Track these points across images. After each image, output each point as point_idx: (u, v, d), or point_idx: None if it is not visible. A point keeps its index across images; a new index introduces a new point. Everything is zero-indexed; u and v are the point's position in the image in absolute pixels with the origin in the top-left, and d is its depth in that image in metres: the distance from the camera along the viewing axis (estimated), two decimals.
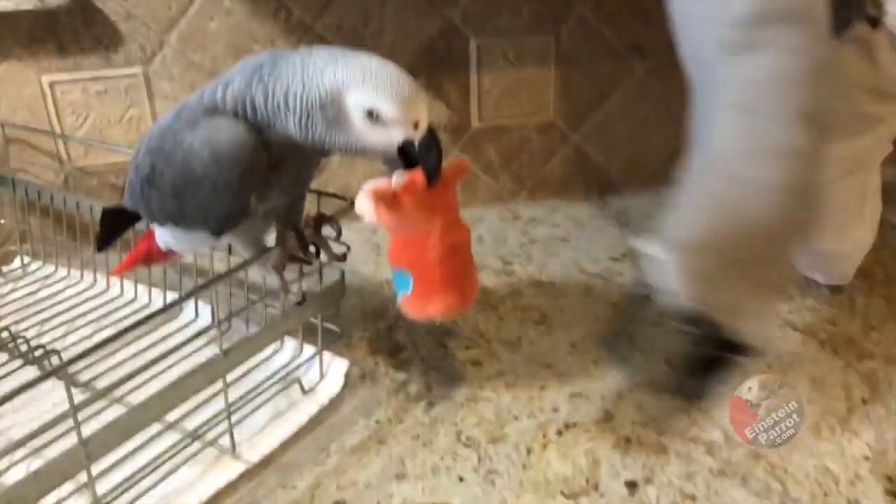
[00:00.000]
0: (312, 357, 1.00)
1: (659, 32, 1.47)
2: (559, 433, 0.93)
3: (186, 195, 0.78)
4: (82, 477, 0.77)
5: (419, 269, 0.77)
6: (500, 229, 1.47)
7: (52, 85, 1.27)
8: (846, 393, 0.99)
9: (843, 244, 1.16)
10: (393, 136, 0.72)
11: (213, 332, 1.00)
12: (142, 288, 1.17)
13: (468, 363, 1.06)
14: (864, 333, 1.11)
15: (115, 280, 1.19)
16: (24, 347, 0.96)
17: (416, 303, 0.79)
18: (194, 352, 0.98)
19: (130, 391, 0.93)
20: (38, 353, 0.95)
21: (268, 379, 0.97)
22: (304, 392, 0.97)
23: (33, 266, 1.28)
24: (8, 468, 0.84)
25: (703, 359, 0.96)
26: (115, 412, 0.81)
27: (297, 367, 1.00)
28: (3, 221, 1.31)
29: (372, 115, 0.71)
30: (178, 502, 0.81)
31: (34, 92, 1.27)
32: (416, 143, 0.72)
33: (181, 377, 0.80)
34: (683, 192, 0.92)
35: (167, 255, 0.97)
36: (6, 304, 1.17)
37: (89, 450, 0.69)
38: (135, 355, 1.01)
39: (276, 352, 1.02)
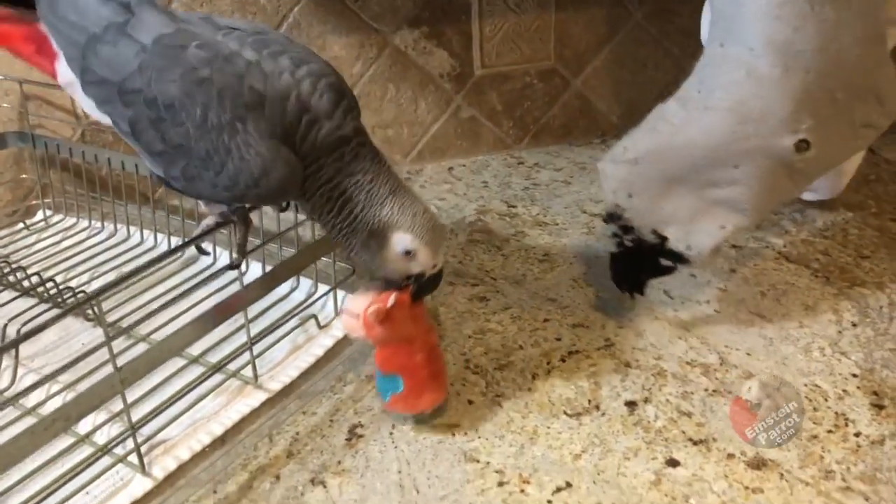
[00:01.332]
0: (327, 293, 1.04)
1: None
2: (562, 360, 0.98)
3: (209, 169, 0.76)
4: (115, 406, 0.82)
5: (409, 371, 0.86)
6: (504, 174, 1.51)
7: None
8: (837, 318, 1.03)
9: None
10: (414, 269, 0.82)
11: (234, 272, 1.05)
12: (161, 236, 1.22)
13: (475, 299, 1.11)
14: (856, 263, 1.15)
15: (134, 229, 1.24)
16: (53, 291, 1.02)
17: (408, 400, 0.87)
18: (216, 291, 1.03)
19: (156, 329, 0.99)
20: (66, 295, 1.01)
21: (286, 315, 1.01)
22: (321, 327, 1.02)
23: (55, 218, 1.33)
24: (45, 400, 0.89)
25: (632, 260, 1.03)
26: (142, 349, 0.86)
27: (313, 304, 1.05)
28: (24, 176, 1.35)
29: (409, 254, 0.80)
30: (205, 428, 0.87)
31: None
32: (426, 276, 0.83)
33: (205, 312, 0.85)
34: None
35: (40, 68, 0.89)
36: (32, 254, 1.22)
37: (122, 375, 0.74)
38: (158, 297, 1.06)
39: (293, 290, 1.07)
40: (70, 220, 1.32)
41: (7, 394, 0.91)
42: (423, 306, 0.88)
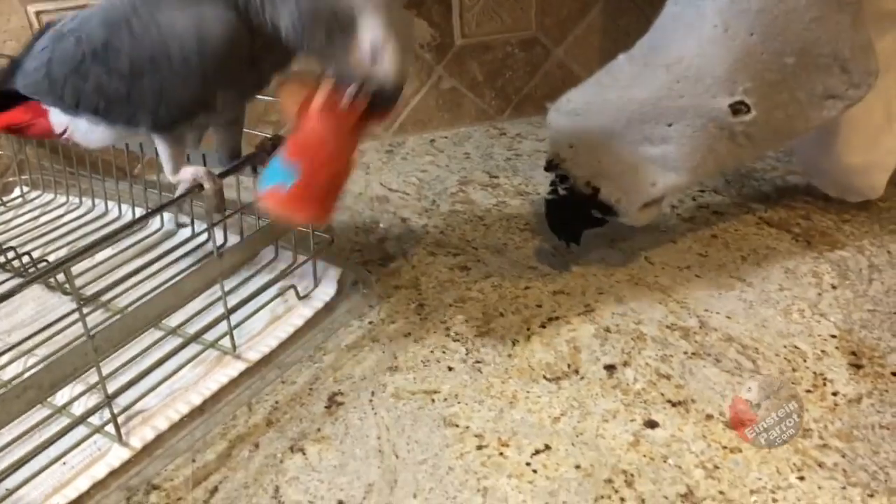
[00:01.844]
0: (305, 263, 1.04)
1: None
2: (542, 326, 0.97)
3: (144, 77, 0.77)
4: (93, 378, 0.82)
5: (311, 168, 0.77)
6: (486, 145, 1.50)
7: (37, 14, 1.28)
8: (817, 280, 1.03)
9: (874, 154, 1.14)
10: (376, 73, 0.74)
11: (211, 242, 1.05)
12: (140, 210, 1.21)
13: (456, 268, 1.10)
14: (836, 227, 1.15)
15: (113, 204, 1.23)
16: (29, 265, 1.01)
17: (292, 199, 0.77)
18: (195, 264, 1.03)
19: (134, 302, 0.98)
20: (42, 268, 1.00)
21: (265, 286, 1.01)
22: (300, 297, 1.01)
23: (32, 194, 1.32)
24: (22, 373, 0.89)
25: (566, 209, 1.05)
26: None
27: (292, 274, 1.04)
28: (0, 153, 1.34)
29: (374, 51, 0.73)
30: (183, 398, 0.86)
31: (21, 22, 1.28)
32: (389, 87, 0.75)
33: (179, 279, 0.84)
34: None
35: (47, 136, 0.94)
36: (9, 230, 1.21)
37: (95, 343, 0.74)
38: (137, 270, 1.05)
39: (271, 261, 1.06)
40: (48, 196, 1.30)
41: None
42: (362, 130, 0.79)
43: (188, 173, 0.86)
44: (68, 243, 1.16)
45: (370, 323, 1.00)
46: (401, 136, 1.55)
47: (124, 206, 1.22)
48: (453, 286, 1.06)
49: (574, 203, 1.02)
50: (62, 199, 1.29)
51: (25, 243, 1.16)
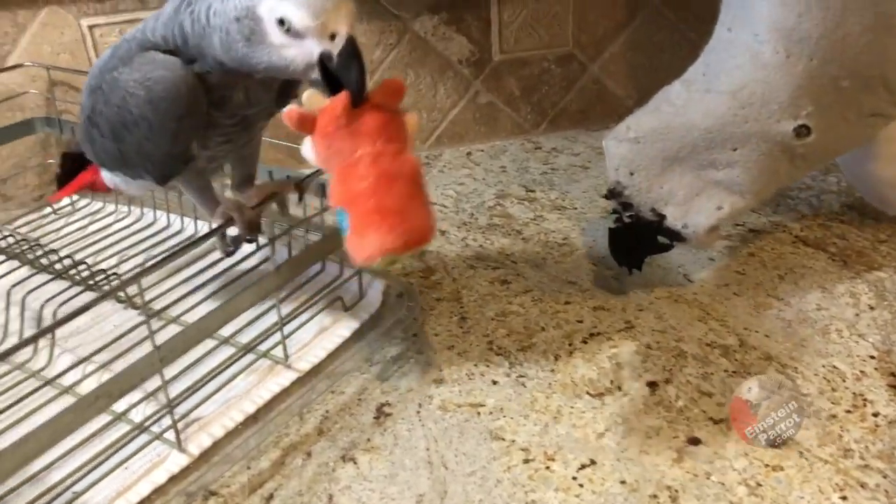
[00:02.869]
0: (351, 277, 1.06)
1: None
2: (584, 341, 1.00)
3: (125, 138, 0.78)
4: (150, 385, 0.85)
5: (352, 203, 0.69)
6: (522, 159, 1.52)
7: (91, 28, 1.32)
8: (854, 301, 1.05)
9: None
10: (310, 50, 0.68)
11: (258, 257, 1.08)
12: (187, 220, 1.24)
13: (496, 282, 1.13)
14: (873, 247, 1.16)
15: (161, 213, 1.26)
16: (85, 273, 1.04)
17: (353, 241, 0.69)
18: (244, 275, 1.06)
19: (185, 311, 1.01)
20: (98, 277, 1.04)
21: (312, 297, 1.04)
22: (346, 309, 1.04)
23: (81, 202, 1.35)
24: (81, 380, 0.92)
25: (631, 236, 1.06)
26: (174, 331, 0.88)
27: (338, 287, 1.07)
28: (51, 161, 1.37)
29: (284, 26, 0.67)
30: (238, 406, 0.89)
31: (74, 36, 1.32)
32: (335, 57, 0.68)
33: (240, 292, 0.87)
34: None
35: (111, 191, 0.99)
36: (60, 237, 1.25)
37: (161, 353, 0.77)
38: (187, 280, 1.08)
39: (318, 273, 1.09)
40: (96, 205, 1.34)
41: (44, 373, 0.93)
42: (382, 120, 0.69)
43: (219, 213, 0.88)
44: (118, 252, 1.19)
45: (414, 335, 1.02)
46: (437, 148, 1.58)
47: (172, 216, 1.25)
48: (494, 300, 1.09)
49: (639, 230, 1.04)
50: (111, 207, 1.32)
51: (76, 252, 1.19)
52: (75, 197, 1.36)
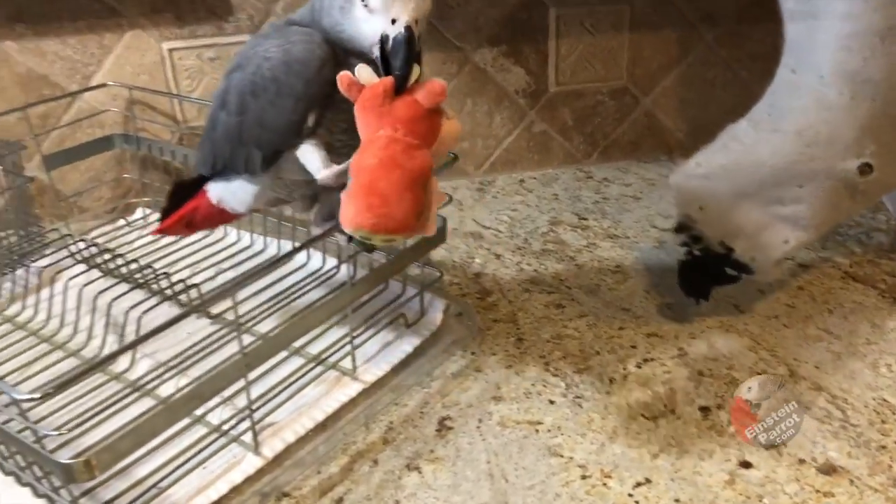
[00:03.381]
0: (414, 297, 1.11)
1: (730, 1, 1.56)
2: (638, 366, 1.03)
3: (249, 106, 0.83)
4: (227, 391, 0.90)
5: (355, 174, 0.74)
6: (574, 188, 1.57)
7: (170, 51, 1.40)
8: None
9: None
10: (377, 29, 0.74)
11: (321, 274, 1.13)
12: (256, 236, 1.30)
13: (551, 305, 1.17)
14: None
15: (231, 228, 1.33)
16: (164, 284, 1.10)
17: (343, 204, 0.74)
18: (311, 289, 1.11)
19: (258, 322, 1.07)
20: (177, 288, 1.10)
21: (376, 313, 1.09)
22: (408, 326, 1.09)
23: (154, 216, 1.42)
24: (158, 385, 0.98)
25: (700, 268, 1.10)
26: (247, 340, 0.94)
27: (401, 305, 1.12)
28: (126, 176, 1.45)
29: (364, 1, 0.74)
30: (308, 414, 0.94)
31: (154, 58, 1.40)
32: (390, 40, 0.73)
33: (318, 304, 0.93)
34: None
35: (213, 217, 1.02)
36: (134, 249, 1.31)
37: (247, 360, 0.82)
38: (257, 293, 1.13)
39: (381, 290, 1.14)
40: None
41: (127, 375, 0.99)
42: (410, 111, 0.75)
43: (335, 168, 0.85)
44: (190, 265, 1.25)
45: (473, 354, 1.06)
46: (491, 174, 1.63)
47: (242, 231, 1.32)
48: (549, 323, 1.13)
49: (708, 263, 1.08)
50: None
51: (151, 263, 1.25)
52: (148, 210, 1.44)
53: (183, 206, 0.99)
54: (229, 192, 0.95)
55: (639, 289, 1.21)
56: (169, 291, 1.12)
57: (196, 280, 1.19)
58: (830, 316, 1.12)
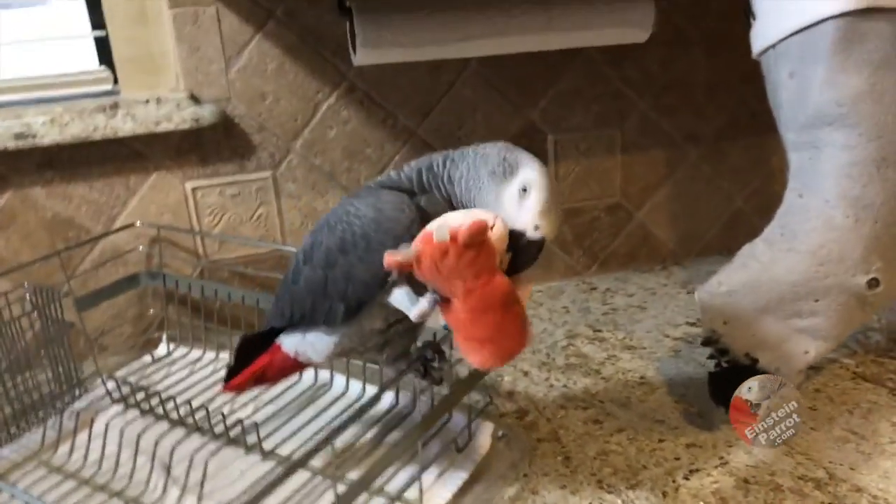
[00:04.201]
0: (469, 423, 1.14)
1: (710, 123, 1.69)
2: (686, 478, 1.08)
3: (337, 262, 0.88)
4: None
5: (455, 329, 0.83)
6: (581, 300, 1.64)
7: (193, 190, 1.44)
8: None
9: None
10: (518, 218, 0.83)
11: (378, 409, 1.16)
12: None
13: (589, 421, 1.22)
14: None
15: None
16: (214, 421, 1.12)
17: (465, 354, 0.84)
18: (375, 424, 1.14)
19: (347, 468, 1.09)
20: (230, 423, 1.11)
21: (428, 441, 1.12)
22: (459, 451, 1.12)
23: (178, 351, 1.43)
24: None
25: (729, 378, 1.13)
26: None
27: (454, 430, 1.15)
28: (152, 311, 1.46)
29: (524, 192, 0.82)
30: None
31: (178, 197, 1.44)
32: (527, 239, 0.83)
33: (394, 445, 0.95)
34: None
35: (287, 370, 1.06)
36: (167, 387, 1.32)
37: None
38: (305, 425, 1.15)
39: (446, 422, 1.17)
40: (196, 353, 1.42)
41: None
42: (471, 261, 0.79)
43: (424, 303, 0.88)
44: (228, 400, 1.26)
45: (525, 475, 1.10)
46: None
47: None
48: (592, 439, 1.17)
49: (736, 374, 1.14)
50: (210, 355, 1.41)
51: (190, 399, 1.26)
52: (172, 346, 1.45)
53: (253, 361, 1.02)
54: (307, 344, 0.99)
55: (667, 399, 1.27)
56: (219, 429, 1.13)
57: (238, 416, 1.21)
58: (851, 417, 1.20)
